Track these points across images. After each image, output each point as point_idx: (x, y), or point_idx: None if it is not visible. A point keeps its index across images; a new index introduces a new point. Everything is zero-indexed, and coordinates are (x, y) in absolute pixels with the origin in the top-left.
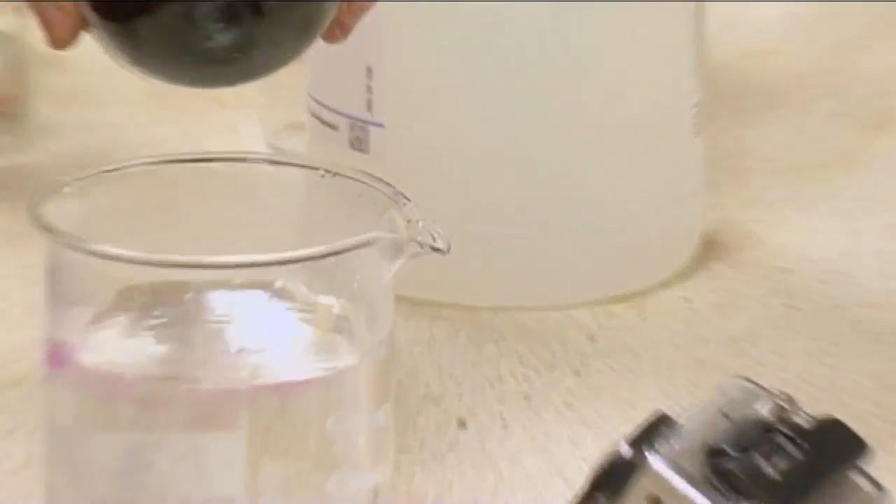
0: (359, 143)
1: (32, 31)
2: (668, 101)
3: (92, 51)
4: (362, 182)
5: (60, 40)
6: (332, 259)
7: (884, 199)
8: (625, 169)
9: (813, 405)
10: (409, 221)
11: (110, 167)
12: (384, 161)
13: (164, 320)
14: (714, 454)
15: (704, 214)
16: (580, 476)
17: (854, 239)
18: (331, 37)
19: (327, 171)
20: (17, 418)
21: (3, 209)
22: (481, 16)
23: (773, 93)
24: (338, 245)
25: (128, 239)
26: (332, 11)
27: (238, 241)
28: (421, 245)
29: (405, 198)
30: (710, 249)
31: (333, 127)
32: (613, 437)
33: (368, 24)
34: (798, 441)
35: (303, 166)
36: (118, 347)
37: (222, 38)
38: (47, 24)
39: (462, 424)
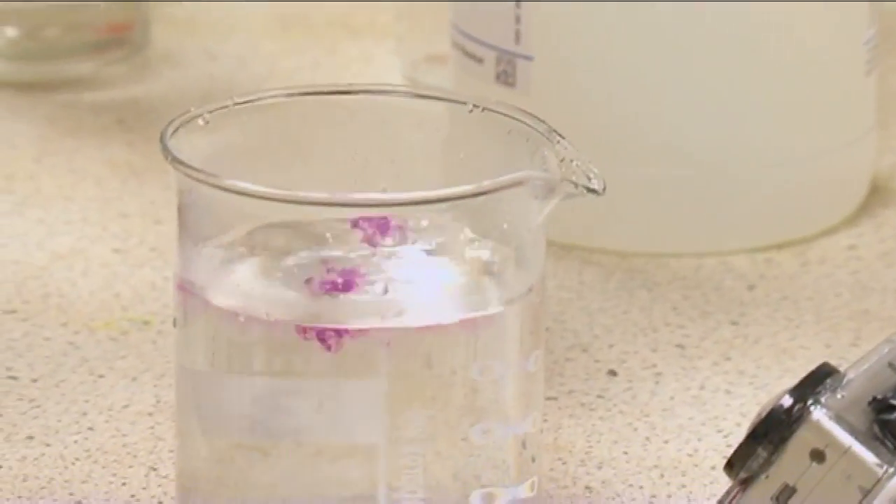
0: (505, 77)
1: None
2: (839, 35)
3: None
4: (513, 118)
5: None
6: (480, 199)
7: None
8: (792, 109)
9: None
10: (562, 160)
11: (242, 99)
12: (533, 96)
13: (301, 261)
14: (881, 407)
15: (874, 158)
16: (736, 429)
17: None
18: None
19: (475, 106)
20: (144, 361)
21: (123, 142)
22: None
23: None
24: (487, 184)
25: (262, 175)
26: None
27: (378, 180)
28: (575, 185)
29: (559, 135)
30: (879, 196)
31: (478, 59)
32: (771, 388)
33: None
34: None
35: (448, 100)
36: (254, 289)
37: None
38: None
39: (612, 373)
